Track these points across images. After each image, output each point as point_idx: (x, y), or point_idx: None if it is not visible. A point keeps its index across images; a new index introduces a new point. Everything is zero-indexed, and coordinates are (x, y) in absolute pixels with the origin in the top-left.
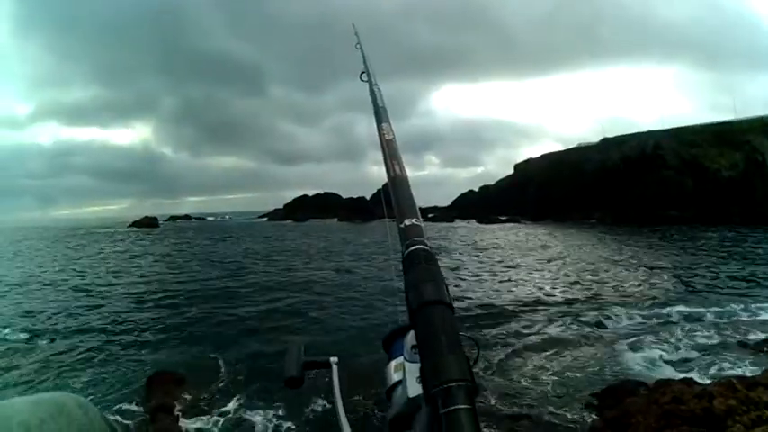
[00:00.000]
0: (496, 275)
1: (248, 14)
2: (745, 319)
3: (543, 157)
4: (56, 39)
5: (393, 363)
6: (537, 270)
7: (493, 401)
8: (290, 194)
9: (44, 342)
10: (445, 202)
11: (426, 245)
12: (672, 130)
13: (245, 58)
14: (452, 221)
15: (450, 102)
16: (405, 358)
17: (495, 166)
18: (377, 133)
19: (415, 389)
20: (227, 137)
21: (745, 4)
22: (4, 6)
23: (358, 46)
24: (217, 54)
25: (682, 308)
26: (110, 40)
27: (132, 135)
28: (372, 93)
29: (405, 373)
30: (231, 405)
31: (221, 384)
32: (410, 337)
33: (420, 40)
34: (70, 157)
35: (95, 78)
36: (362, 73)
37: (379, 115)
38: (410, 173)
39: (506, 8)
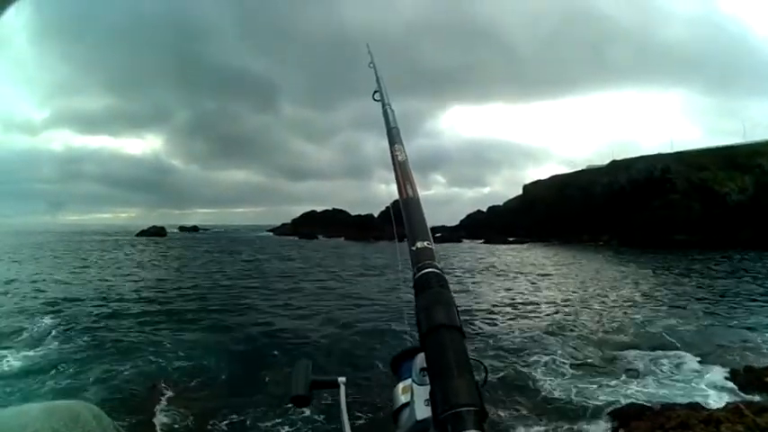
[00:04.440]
0: (502, 296)
1: (263, 31)
2: (752, 343)
3: (552, 178)
4: (72, 48)
5: (401, 385)
6: (544, 293)
7: (497, 426)
8: (298, 209)
9: (48, 348)
10: (452, 221)
11: (438, 268)
12: (680, 153)
13: (258, 74)
14: (460, 241)
15: (457, 122)
16: (413, 381)
17: (502, 187)
18: (389, 153)
19: (422, 412)
20: (237, 151)
21: (749, 29)
22: (22, 15)
23: (371, 65)
24: (231, 69)
25: (687, 332)
26: (125, 52)
27: (143, 145)
28: (385, 113)
29: (413, 396)
30: (235, 420)
31: (225, 398)
32: (419, 360)
33: (428, 60)
34: (81, 164)
35: (109, 88)
36: (375, 92)
37: (392, 136)
38: (419, 193)
39: (511, 32)
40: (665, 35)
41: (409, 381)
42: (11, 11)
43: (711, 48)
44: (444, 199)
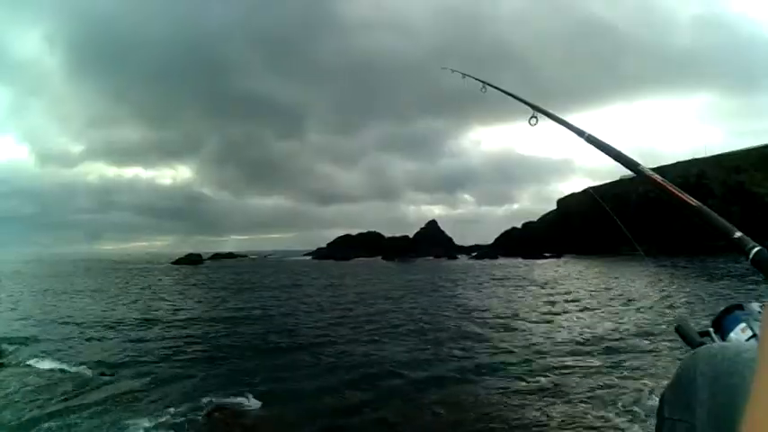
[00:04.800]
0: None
1: (287, 60)
2: None
3: (585, 191)
4: (106, 84)
5: (738, 328)
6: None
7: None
8: (330, 233)
9: (97, 377)
10: (484, 239)
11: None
12: (715, 156)
13: (284, 101)
14: (496, 258)
15: (480, 140)
16: (753, 320)
17: (530, 203)
18: None
19: None
20: (266, 178)
21: (758, 26)
22: (56, 55)
23: (484, 90)
24: (257, 98)
25: None
26: (154, 84)
27: (174, 175)
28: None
29: (757, 328)
30: None
31: (284, 424)
32: (754, 305)
33: (449, 83)
34: (115, 195)
35: (141, 120)
36: (531, 117)
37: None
38: (446, 211)
39: (527, 52)
40: (675, 41)
41: (743, 324)
42: (45, 48)
43: (723, 49)
44: (474, 217)
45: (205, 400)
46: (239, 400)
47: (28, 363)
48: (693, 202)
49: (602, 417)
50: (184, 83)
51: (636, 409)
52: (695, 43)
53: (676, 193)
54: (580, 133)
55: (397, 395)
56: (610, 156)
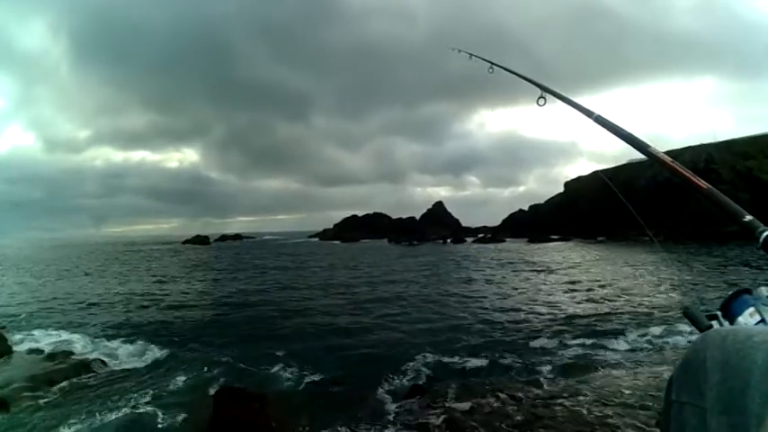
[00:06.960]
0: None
1: (292, 47)
2: None
3: (593, 174)
4: (111, 72)
5: (747, 312)
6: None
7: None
8: (335, 215)
9: (107, 357)
10: (491, 221)
11: None
12: (724, 142)
13: (290, 87)
14: (503, 241)
15: (486, 122)
16: (761, 304)
17: (536, 185)
18: None
19: None
20: (272, 161)
21: (760, 9)
22: (61, 45)
23: (491, 70)
24: (264, 84)
25: None
26: (161, 73)
27: (181, 158)
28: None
29: (766, 312)
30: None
31: (292, 406)
32: (763, 290)
33: (453, 68)
34: (122, 179)
35: (147, 107)
36: (539, 98)
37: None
38: (452, 193)
39: (530, 37)
40: (678, 24)
41: (751, 309)
42: (49, 37)
43: (727, 33)
44: (481, 200)
45: (213, 379)
46: (247, 380)
47: (36, 343)
48: (704, 184)
49: (615, 410)
50: (191, 69)
51: (644, 393)
52: (696, 26)
53: (687, 175)
54: (589, 114)
55: (408, 380)
56: (619, 137)
